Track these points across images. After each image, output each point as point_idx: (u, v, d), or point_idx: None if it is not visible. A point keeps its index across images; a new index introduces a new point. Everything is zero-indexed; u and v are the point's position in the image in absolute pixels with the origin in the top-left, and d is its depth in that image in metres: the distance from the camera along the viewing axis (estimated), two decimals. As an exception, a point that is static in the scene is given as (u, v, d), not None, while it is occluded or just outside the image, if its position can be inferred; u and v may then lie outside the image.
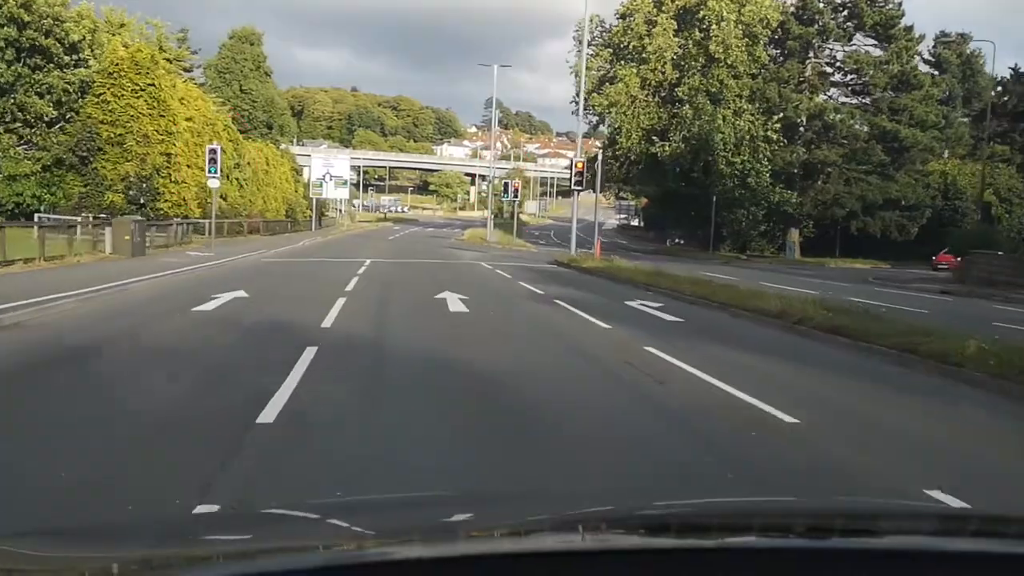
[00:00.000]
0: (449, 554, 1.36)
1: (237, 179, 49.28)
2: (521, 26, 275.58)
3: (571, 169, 31.78)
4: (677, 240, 59.67)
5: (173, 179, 38.77)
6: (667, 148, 49.70)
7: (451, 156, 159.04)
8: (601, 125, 57.43)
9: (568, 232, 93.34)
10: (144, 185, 38.14)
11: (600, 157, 29.12)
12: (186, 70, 53.04)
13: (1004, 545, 1.54)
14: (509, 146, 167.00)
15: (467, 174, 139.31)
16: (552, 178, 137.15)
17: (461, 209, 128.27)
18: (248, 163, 51.16)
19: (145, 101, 38.14)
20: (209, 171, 31.84)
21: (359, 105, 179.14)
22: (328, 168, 60.71)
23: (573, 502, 2.34)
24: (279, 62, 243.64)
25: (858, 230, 51.69)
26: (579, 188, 31.90)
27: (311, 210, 63.82)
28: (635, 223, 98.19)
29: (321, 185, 60.60)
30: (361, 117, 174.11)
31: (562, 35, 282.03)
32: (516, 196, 46.36)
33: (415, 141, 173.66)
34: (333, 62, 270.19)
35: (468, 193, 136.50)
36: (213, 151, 31.67)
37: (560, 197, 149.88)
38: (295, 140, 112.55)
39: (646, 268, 24.20)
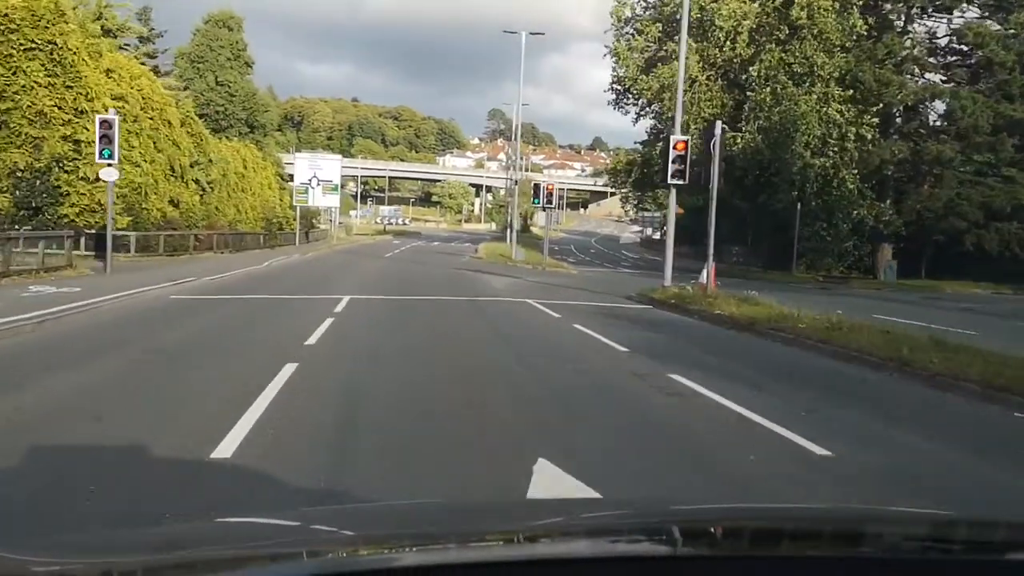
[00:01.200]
0: (444, 561, 1.30)
1: (196, 181, 37.12)
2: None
3: (666, 153, 19.47)
4: (735, 258, 47.31)
5: (83, 175, 26.50)
6: (739, 141, 37.50)
7: (454, 167, 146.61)
8: (641, 117, 45.24)
9: (589, 247, 79.68)
10: (39, 183, 25.97)
11: (719, 130, 16.77)
12: (123, 46, 40.81)
13: (997, 552, 1.46)
14: (513, 157, 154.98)
15: (472, 184, 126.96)
16: (562, 189, 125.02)
17: (466, 221, 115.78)
18: (211, 161, 38.97)
19: (42, 64, 25.99)
20: (101, 155, 19.70)
21: (360, 115, 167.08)
22: (315, 171, 48.44)
23: (567, 510, 2.08)
24: (280, 75, 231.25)
25: (972, 245, 39.46)
26: (679, 182, 19.62)
27: (297, 221, 51.91)
28: (657, 236, 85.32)
29: (306, 191, 48.35)
30: (362, 127, 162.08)
31: (563, 50, 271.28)
32: (550, 202, 34.14)
33: (417, 152, 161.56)
34: (334, 76, 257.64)
35: (473, 205, 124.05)
36: (106, 123, 19.51)
37: (568, 209, 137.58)
38: (293, 150, 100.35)
39: (875, 329, 11.96)
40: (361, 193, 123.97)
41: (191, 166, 36.38)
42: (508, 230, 75.28)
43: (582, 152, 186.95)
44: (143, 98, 32.74)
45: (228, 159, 44.02)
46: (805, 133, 37.51)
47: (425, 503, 3.23)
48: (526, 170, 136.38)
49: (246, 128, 57.94)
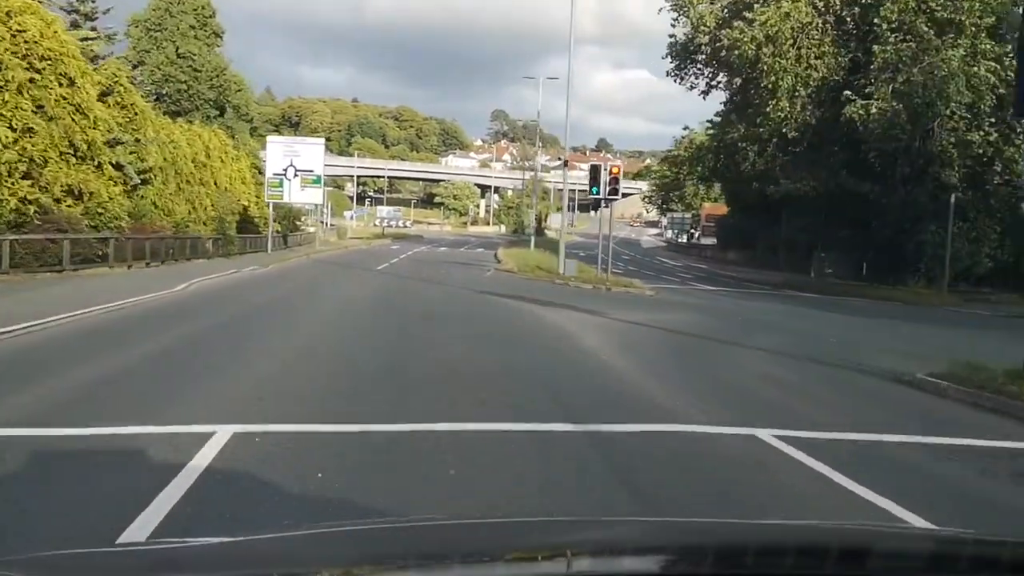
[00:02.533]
0: None
1: (119, 167, 25.60)
2: (524, 43, 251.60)
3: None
4: (825, 267, 35.68)
5: None
6: (872, 109, 25.79)
7: (457, 167, 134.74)
8: (713, 88, 33.53)
9: (618, 253, 65.92)
10: None
11: None
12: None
13: (1003, 572, 1.38)
14: (518, 157, 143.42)
15: (477, 185, 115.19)
16: (572, 190, 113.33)
17: (472, 223, 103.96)
18: (139, 140, 27.37)
19: None
20: None
21: (359, 115, 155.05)
22: (291, 159, 36.78)
23: (570, 528, 1.92)
24: (281, 79, 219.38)
25: None
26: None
27: (278, 222, 40.71)
28: (682, 240, 73.59)
29: (281, 184, 36.71)
30: (362, 128, 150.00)
31: (564, 53, 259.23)
32: (615, 192, 22.58)
33: (418, 152, 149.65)
34: (335, 79, 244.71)
35: (479, 206, 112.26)
36: None
37: (579, 211, 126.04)
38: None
39: None
40: (359, 194, 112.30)
41: (109, 145, 24.74)
42: (523, 232, 63.78)
43: (587, 154, 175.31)
44: (24, 42, 21.19)
45: (181, 143, 32.52)
46: (953, 100, 26.05)
47: (427, 519, 2.91)
48: (533, 170, 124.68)
49: (214, 110, 46.26)
